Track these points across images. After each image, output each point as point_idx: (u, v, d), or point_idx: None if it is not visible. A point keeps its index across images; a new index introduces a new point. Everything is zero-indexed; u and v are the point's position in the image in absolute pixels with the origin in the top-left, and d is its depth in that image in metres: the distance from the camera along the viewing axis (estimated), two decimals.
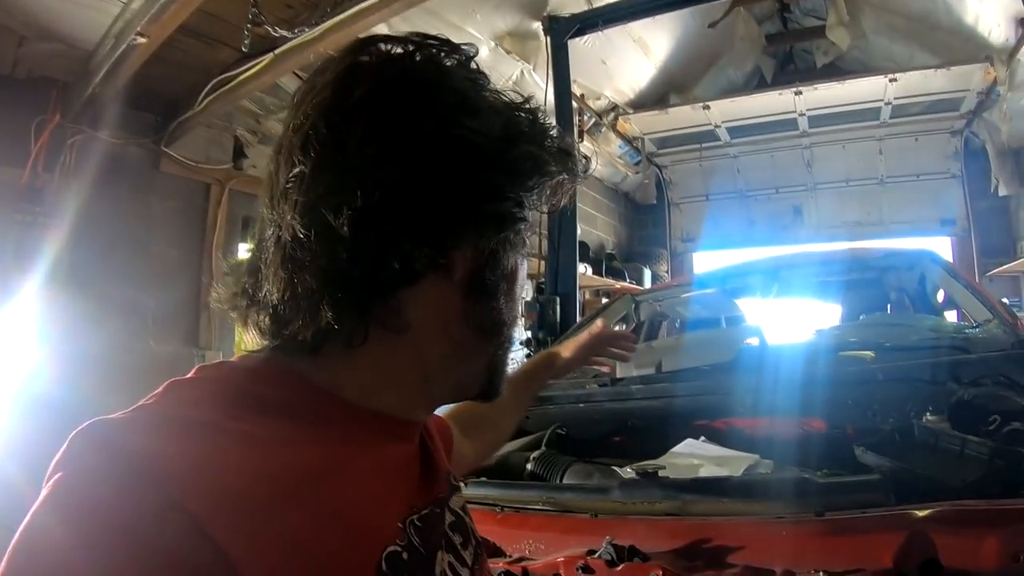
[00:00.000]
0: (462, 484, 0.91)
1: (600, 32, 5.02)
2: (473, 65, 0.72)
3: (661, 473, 1.54)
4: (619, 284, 7.69)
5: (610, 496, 1.48)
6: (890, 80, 6.50)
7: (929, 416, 1.66)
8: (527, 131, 0.72)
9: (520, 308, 0.79)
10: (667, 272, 9.02)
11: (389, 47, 0.69)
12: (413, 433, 0.77)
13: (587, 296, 7.51)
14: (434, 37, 0.71)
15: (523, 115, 0.73)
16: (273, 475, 0.55)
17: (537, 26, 5.44)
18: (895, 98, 6.86)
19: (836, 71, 7.49)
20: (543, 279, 4.63)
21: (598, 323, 1.54)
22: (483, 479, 1.78)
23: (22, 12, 3.19)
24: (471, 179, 0.67)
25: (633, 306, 3.75)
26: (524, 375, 1.47)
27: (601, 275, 7.73)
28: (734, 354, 2.25)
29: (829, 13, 6.82)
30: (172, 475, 0.50)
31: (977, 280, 6.92)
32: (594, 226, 8.67)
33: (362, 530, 0.61)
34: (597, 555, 1.15)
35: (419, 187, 0.65)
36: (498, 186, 0.69)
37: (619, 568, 1.12)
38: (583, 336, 1.51)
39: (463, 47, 0.72)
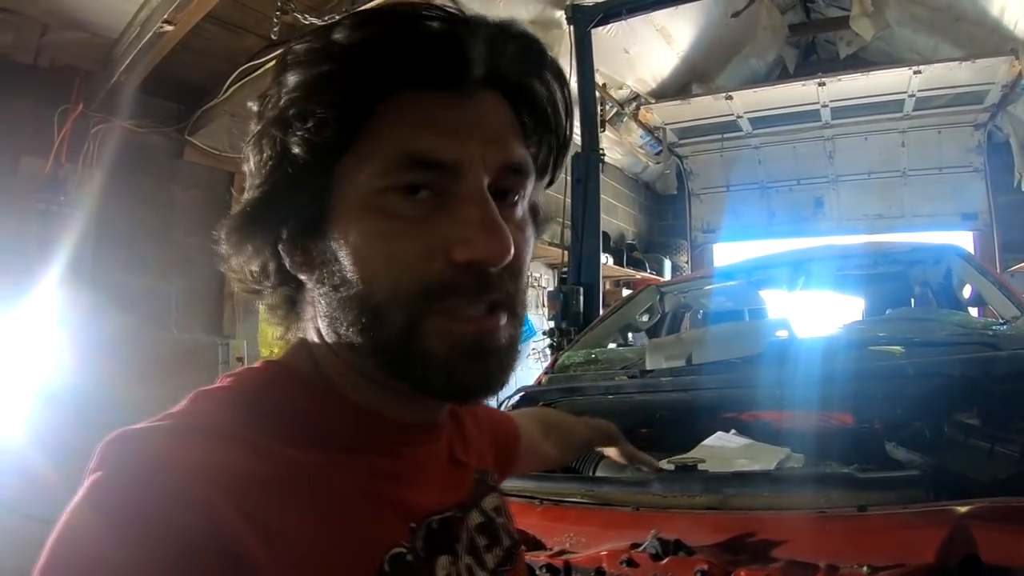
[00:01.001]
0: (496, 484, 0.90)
1: (623, 21, 5.11)
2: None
3: (700, 467, 1.54)
4: (640, 274, 7.67)
5: (650, 489, 1.49)
6: (914, 72, 6.46)
7: (959, 413, 1.66)
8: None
9: (394, 274, 0.63)
10: (687, 263, 9.04)
11: None
12: (427, 436, 0.76)
13: (608, 286, 7.38)
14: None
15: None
16: (280, 479, 0.58)
17: (560, 15, 5.46)
18: (919, 90, 6.82)
19: (859, 62, 7.43)
20: (566, 269, 4.65)
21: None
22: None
23: (45, 0, 3.20)
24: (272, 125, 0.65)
25: (658, 297, 3.75)
26: (583, 437, 1.41)
27: (622, 265, 7.73)
28: (763, 347, 2.23)
29: (853, 3, 6.73)
30: (194, 478, 0.53)
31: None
32: (615, 216, 8.65)
33: (366, 532, 0.62)
34: (642, 548, 1.15)
35: (261, 147, 0.66)
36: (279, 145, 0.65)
37: (664, 562, 1.12)
38: (642, 456, 1.46)
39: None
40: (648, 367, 2.37)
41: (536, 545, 1.33)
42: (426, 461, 0.74)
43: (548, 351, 4.61)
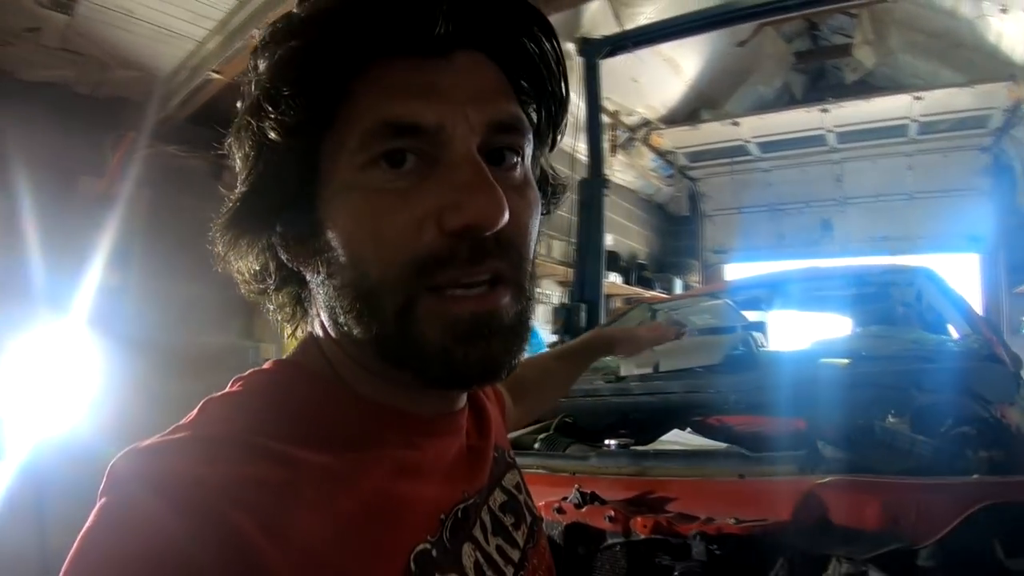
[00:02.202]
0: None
1: (631, 53, 5.16)
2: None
3: (632, 447, 1.88)
4: (648, 294, 7.69)
5: (588, 462, 1.83)
6: (915, 98, 6.54)
7: (891, 418, 1.83)
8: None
9: (381, 252, 0.60)
10: (698, 283, 9.07)
11: None
12: (448, 427, 0.73)
13: (618, 304, 7.48)
14: None
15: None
16: (297, 485, 0.55)
17: (570, 47, 5.61)
18: (921, 115, 6.89)
19: (866, 87, 7.51)
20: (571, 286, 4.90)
21: (666, 329, 1.65)
22: None
23: (107, 43, 3.62)
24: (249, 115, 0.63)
25: (650, 314, 3.91)
26: (581, 350, 1.51)
27: (631, 285, 7.87)
28: (721, 357, 2.50)
29: (856, 32, 6.92)
30: (207, 494, 0.51)
31: (1004, 296, 7.10)
32: (627, 236, 8.84)
33: (389, 532, 0.59)
34: (568, 500, 1.51)
35: (240, 139, 0.65)
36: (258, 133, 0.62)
37: (583, 510, 1.47)
38: (643, 333, 1.63)
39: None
40: (622, 373, 2.64)
41: None
42: (446, 452, 0.72)
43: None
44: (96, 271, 3.85)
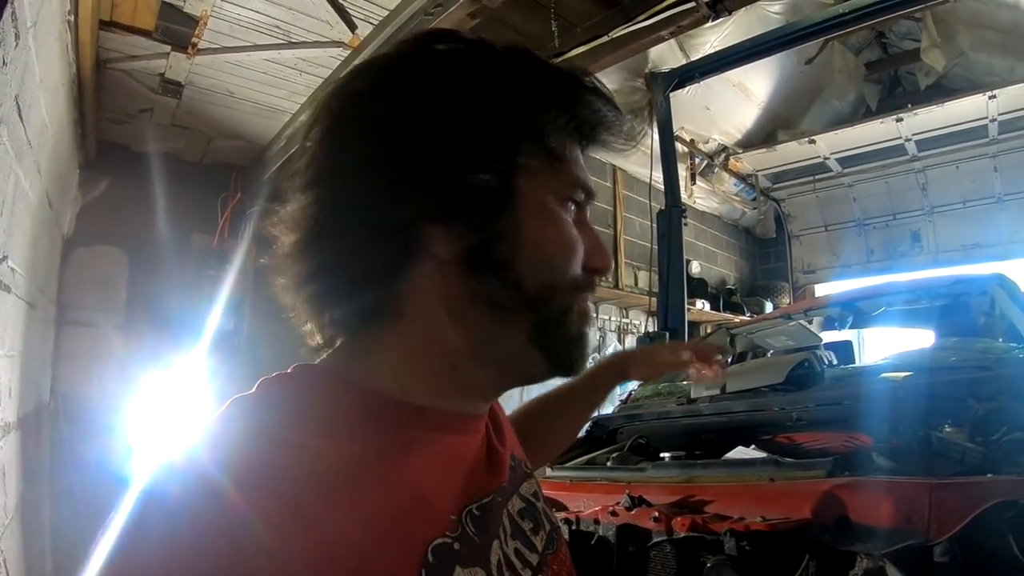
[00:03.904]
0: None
1: (699, 82, 5.24)
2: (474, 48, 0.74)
3: (684, 459, 2.08)
4: (738, 319, 7.62)
5: (645, 473, 2.05)
6: (989, 97, 6.42)
7: (948, 428, 1.82)
8: (508, 82, 0.71)
9: (571, 267, 0.73)
10: (789, 305, 8.64)
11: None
12: (470, 426, 0.77)
13: (709, 330, 7.38)
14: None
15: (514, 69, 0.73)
16: (319, 477, 0.58)
17: (641, 83, 5.82)
18: (999, 114, 6.73)
19: (941, 91, 7.34)
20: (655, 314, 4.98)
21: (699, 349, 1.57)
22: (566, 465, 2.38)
23: (211, 119, 4.09)
24: (417, 157, 0.67)
25: (728, 338, 4.01)
26: (591, 381, 1.46)
27: (719, 310, 7.84)
28: (784, 376, 2.57)
29: (922, 36, 6.80)
30: (237, 481, 0.55)
31: None
32: (715, 262, 8.85)
33: (407, 523, 0.62)
34: (620, 504, 1.73)
35: (371, 171, 0.68)
36: (459, 158, 0.68)
37: (632, 512, 1.69)
38: (663, 353, 1.58)
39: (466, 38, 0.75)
40: (692, 396, 2.75)
41: (561, 507, 1.90)
42: (467, 450, 0.76)
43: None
44: (213, 317, 4.25)
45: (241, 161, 4.65)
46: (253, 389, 0.68)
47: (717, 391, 2.69)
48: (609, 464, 2.35)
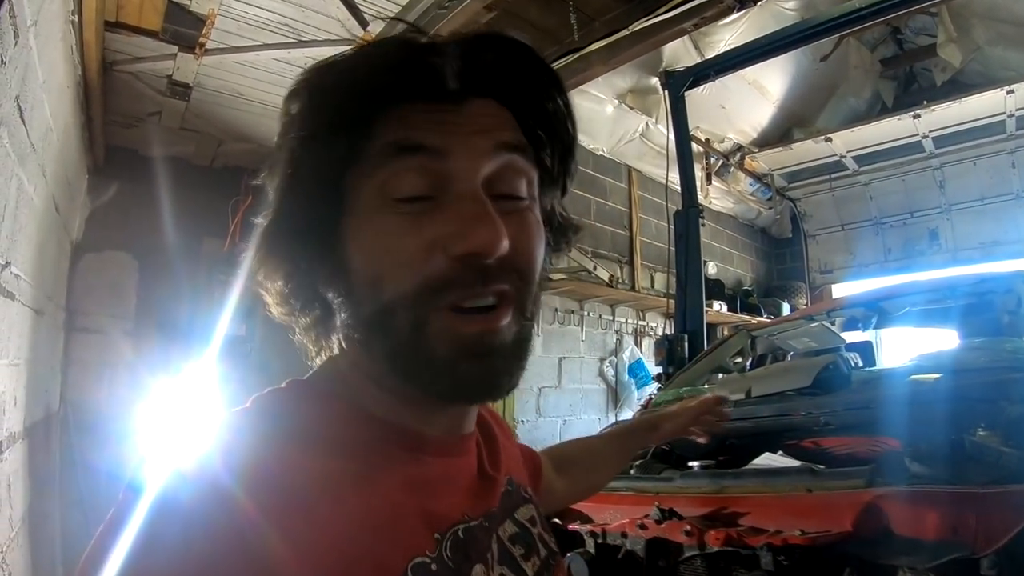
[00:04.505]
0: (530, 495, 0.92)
1: (715, 81, 5.15)
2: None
3: (712, 469, 2.00)
4: (755, 320, 7.47)
5: (673, 483, 1.96)
6: (1007, 92, 6.37)
7: (981, 431, 1.75)
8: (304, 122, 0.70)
9: (397, 278, 0.66)
10: (806, 305, 8.80)
11: None
12: (454, 448, 0.77)
13: (726, 332, 7.32)
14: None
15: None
16: (306, 486, 0.60)
17: (655, 81, 5.82)
18: (1017, 109, 6.67)
19: (957, 87, 7.29)
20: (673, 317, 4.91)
21: (703, 398, 1.60)
22: None
23: (222, 122, 4.03)
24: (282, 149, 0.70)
25: (749, 340, 3.94)
26: (626, 433, 1.52)
27: (736, 312, 7.79)
28: (811, 379, 2.48)
29: (938, 31, 6.78)
30: (222, 488, 0.57)
31: None
32: (731, 263, 8.82)
33: (388, 538, 0.62)
34: (649, 516, 1.65)
35: (274, 171, 0.72)
36: (285, 214, 0.71)
37: (663, 525, 1.61)
38: (687, 408, 1.56)
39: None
40: None
41: (585, 519, 1.83)
42: (453, 472, 0.76)
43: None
44: (224, 322, 4.22)
45: (251, 164, 4.56)
46: (247, 403, 0.70)
47: (742, 395, 2.62)
48: (632, 472, 2.28)
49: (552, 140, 0.76)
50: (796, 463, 2.03)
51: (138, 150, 4.29)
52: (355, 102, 0.67)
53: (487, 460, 0.83)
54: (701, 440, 1.58)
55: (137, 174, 4.25)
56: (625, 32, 3.13)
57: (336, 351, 0.76)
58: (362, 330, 0.69)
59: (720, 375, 4.18)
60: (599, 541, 1.73)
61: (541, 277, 0.75)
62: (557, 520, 1.89)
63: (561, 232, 0.84)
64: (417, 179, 0.66)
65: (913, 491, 1.52)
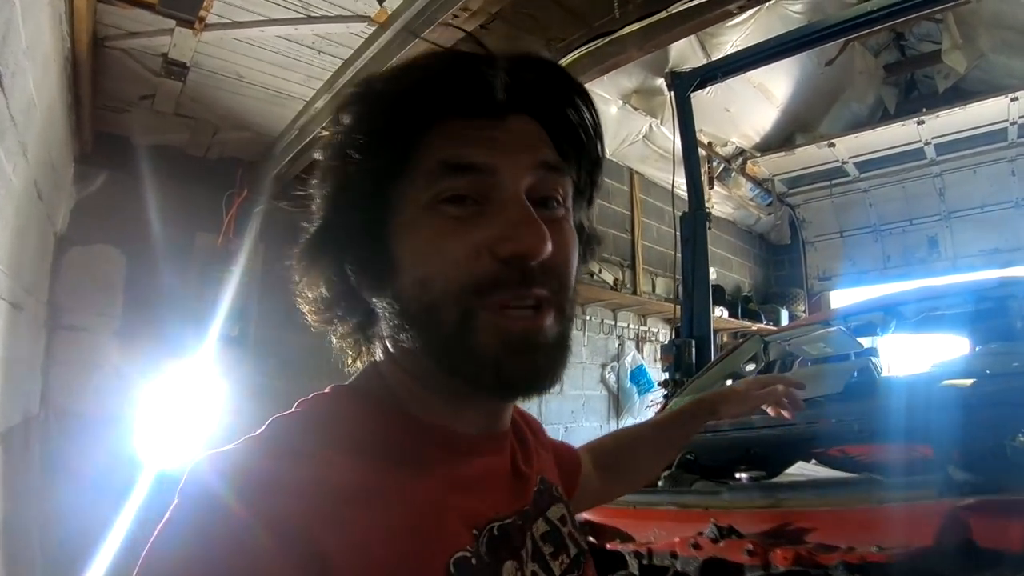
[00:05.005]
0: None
1: (721, 83, 5.13)
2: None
3: (764, 480, 1.83)
4: (756, 326, 7.64)
5: (720, 497, 1.79)
6: (1011, 100, 6.41)
7: (1021, 437, 1.67)
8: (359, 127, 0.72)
9: (447, 275, 0.69)
10: (804, 312, 8.95)
11: None
12: (489, 447, 0.80)
13: (725, 338, 7.46)
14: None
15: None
16: (354, 490, 0.63)
17: (661, 82, 5.77)
18: (1020, 116, 6.72)
19: (959, 94, 7.32)
20: (679, 323, 4.83)
21: (777, 377, 1.47)
22: None
23: (219, 107, 3.80)
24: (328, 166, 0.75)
25: (762, 346, 3.85)
26: (680, 417, 1.41)
27: (737, 317, 7.79)
28: (843, 385, 2.41)
29: (943, 38, 6.81)
30: (271, 493, 0.59)
31: None
32: (729, 269, 8.80)
33: (431, 537, 0.65)
34: (704, 534, 1.48)
35: (324, 181, 0.76)
36: (335, 207, 0.75)
37: (720, 544, 1.44)
38: (754, 391, 1.42)
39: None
40: None
41: (626, 538, 1.66)
42: (489, 471, 0.78)
43: (664, 400, 4.77)
44: (217, 322, 4.06)
45: (248, 155, 4.39)
46: (293, 408, 0.73)
47: None
48: (661, 483, 2.12)
49: (582, 155, 0.79)
50: (842, 472, 1.94)
51: (129, 138, 4.05)
52: (406, 115, 0.70)
53: (520, 458, 0.86)
54: (785, 413, 1.42)
55: (127, 163, 4.02)
56: (664, 14, 2.96)
57: (379, 355, 0.79)
58: (409, 328, 0.71)
59: (730, 382, 4.11)
60: (644, 562, 1.58)
61: (575, 284, 0.78)
62: (592, 539, 1.75)
63: (588, 243, 0.86)
64: (465, 190, 0.69)
65: (996, 500, 1.42)
